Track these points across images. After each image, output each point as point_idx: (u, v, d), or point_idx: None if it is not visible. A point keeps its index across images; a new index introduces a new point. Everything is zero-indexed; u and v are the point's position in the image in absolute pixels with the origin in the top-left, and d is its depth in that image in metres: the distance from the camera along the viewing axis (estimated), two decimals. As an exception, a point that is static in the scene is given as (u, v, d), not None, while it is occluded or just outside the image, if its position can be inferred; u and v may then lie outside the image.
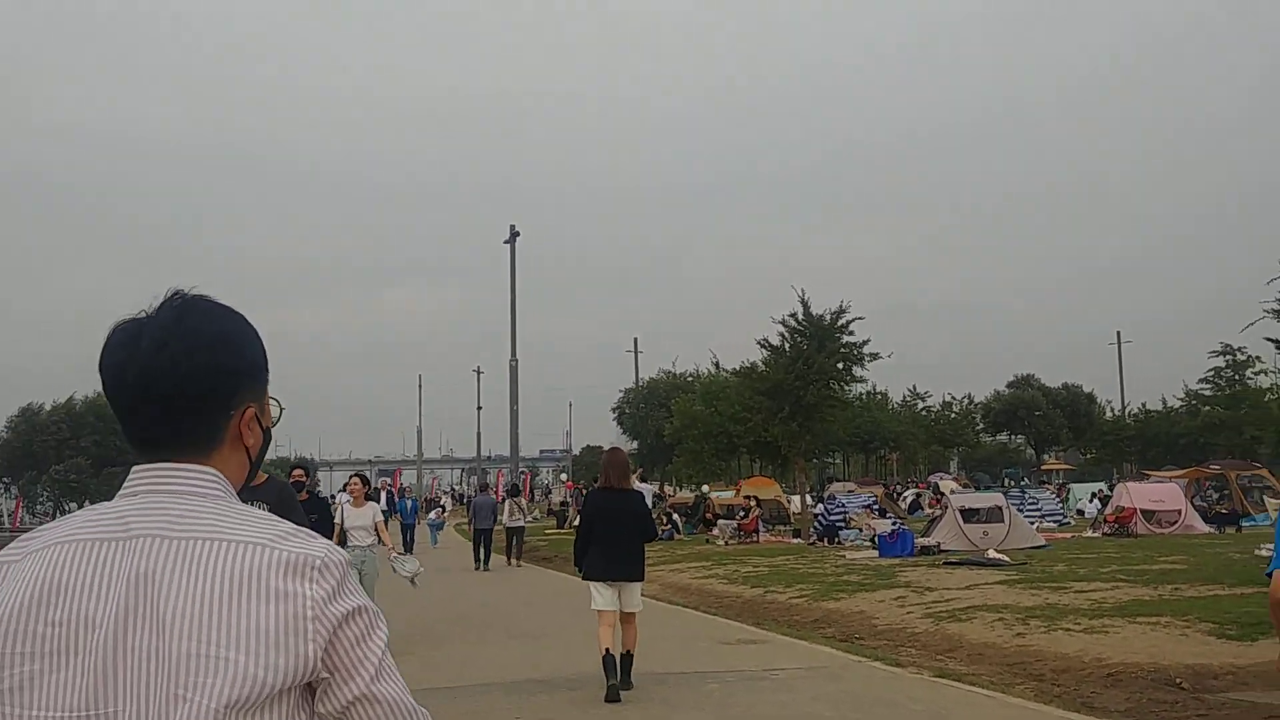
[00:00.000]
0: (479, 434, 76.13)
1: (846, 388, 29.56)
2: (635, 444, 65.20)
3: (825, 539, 26.49)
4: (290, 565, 1.40)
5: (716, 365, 46.15)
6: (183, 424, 1.48)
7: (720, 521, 28.09)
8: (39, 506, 70.93)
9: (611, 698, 8.41)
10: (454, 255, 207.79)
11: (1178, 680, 8.69)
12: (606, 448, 12.83)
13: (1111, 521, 26.09)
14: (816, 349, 26.27)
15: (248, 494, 1.58)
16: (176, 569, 1.38)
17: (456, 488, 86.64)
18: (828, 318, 26.68)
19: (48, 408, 68.29)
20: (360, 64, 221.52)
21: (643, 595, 9.47)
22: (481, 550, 24.19)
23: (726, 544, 26.88)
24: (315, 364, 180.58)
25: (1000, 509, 23.20)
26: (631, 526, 8.99)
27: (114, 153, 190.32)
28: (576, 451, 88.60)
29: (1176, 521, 26.09)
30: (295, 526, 1.49)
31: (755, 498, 29.94)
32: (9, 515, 75.95)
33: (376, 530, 11.61)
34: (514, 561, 24.91)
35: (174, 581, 1.37)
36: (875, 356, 27.09)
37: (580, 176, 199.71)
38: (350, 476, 12.71)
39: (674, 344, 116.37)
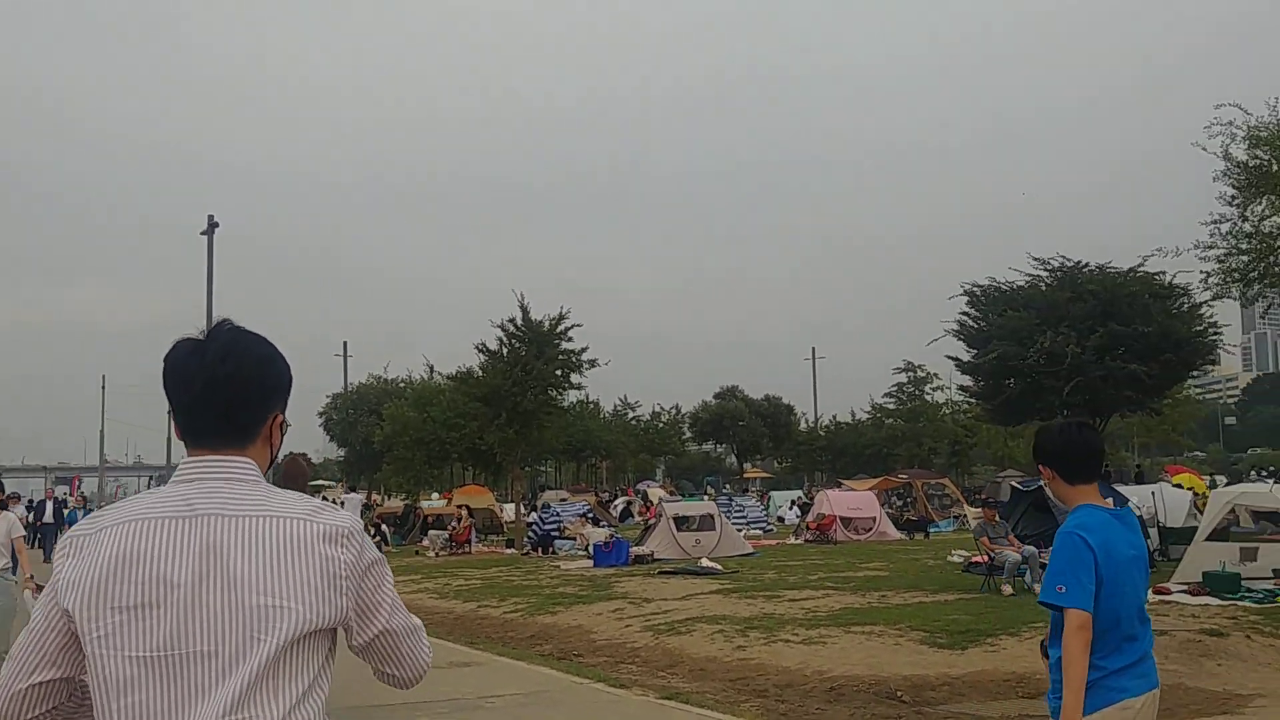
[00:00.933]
0: (169, 440, 70.60)
1: (563, 394, 29.16)
2: (343, 451, 62.51)
3: (540, 549, 26.00)
4: (327, 534, 1.88)
5: (431, 370, 44.87)
6: (232, 423, 1.93)
7: (431, 532, 26.97)
8: None
9: None
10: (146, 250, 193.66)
11: (898, 693, 8.68)
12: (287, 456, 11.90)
13: (813, 528, 27.08)
14: (535, 355, 25.72)
15: None
16: (240, 539, 1.84)
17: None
18: (547, 324, 26.21)
19: None
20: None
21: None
22: None
23: (437, 555, 25.84)
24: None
25: (712, 517, 23.51)
26: None
27: None
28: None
29: (871, 528, 27.46)
30: (322, 502, 2.04)
31: (468, 506, 29.04)
32: None
33: (14, 552, 9.08)
34: None
35: (240, 549, 1.83)
36: (594, 364, 26.82)
37: (283, 170, 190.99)
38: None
39: (385, 350, 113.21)
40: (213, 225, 31.25)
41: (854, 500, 28.97)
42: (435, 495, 40.22)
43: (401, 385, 53.22)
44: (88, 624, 1.79)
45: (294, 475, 8.73)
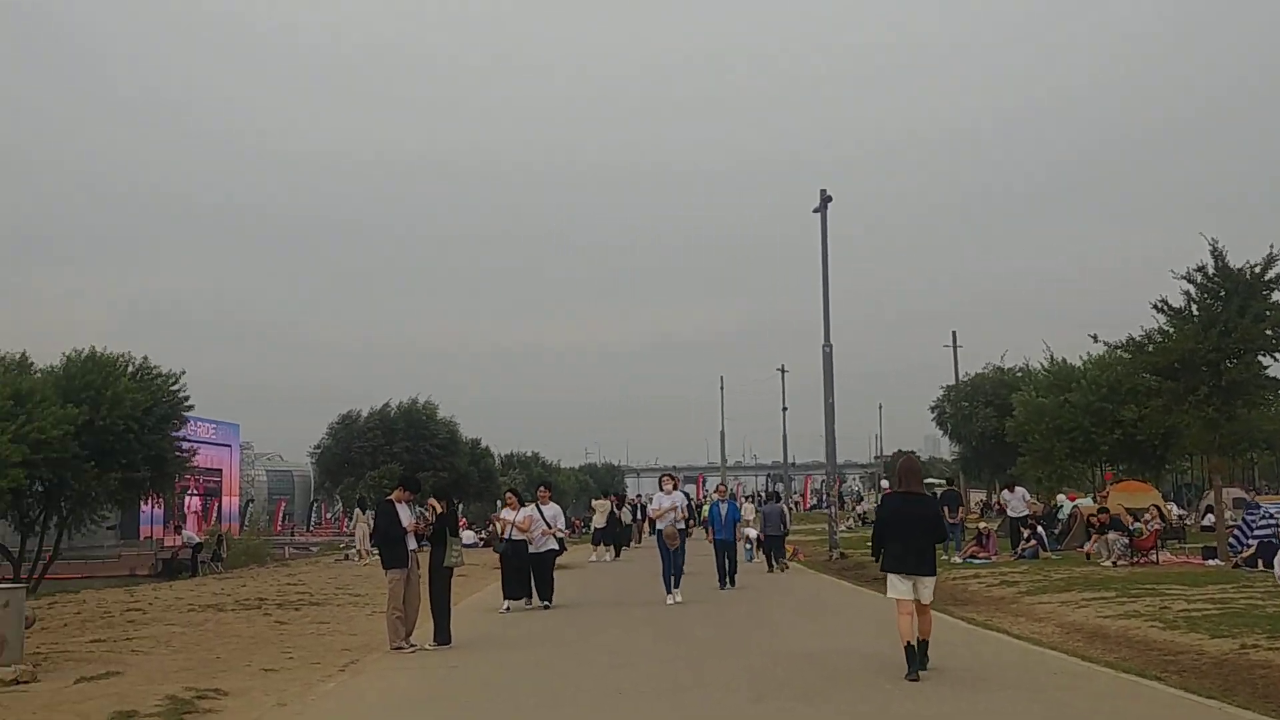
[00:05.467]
0: (785, 436, 71.83)
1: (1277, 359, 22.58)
2: (958, 447, 58.67)
3: (1257, 561, 20.06)
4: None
5: (1052, 358, 39.22)
6: None
7: (1110, 535, 22.07)
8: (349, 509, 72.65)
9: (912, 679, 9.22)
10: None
11: None
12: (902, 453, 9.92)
13: None
14: (1237, 311, 19.91)
15: None
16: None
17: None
18: (1249, 273, 20.26)
19: (365, 414, 69.84)
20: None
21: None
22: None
23: (1115, 565, 21.01)
24: (615, 372, 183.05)
25: None
26: (923, 529, 9.98)
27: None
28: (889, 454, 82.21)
29: None
30: None
31: (1156, 508, 23.67)
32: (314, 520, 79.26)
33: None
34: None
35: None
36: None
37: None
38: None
39: (998, 339, 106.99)
40: (825, 199, 29.04)
41: None
42: (1079, 496, 34.78)
43: (1018, 375, 48.15)
44: None
45: (911, 471, 10.52)
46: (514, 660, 11.69)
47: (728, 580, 19.26)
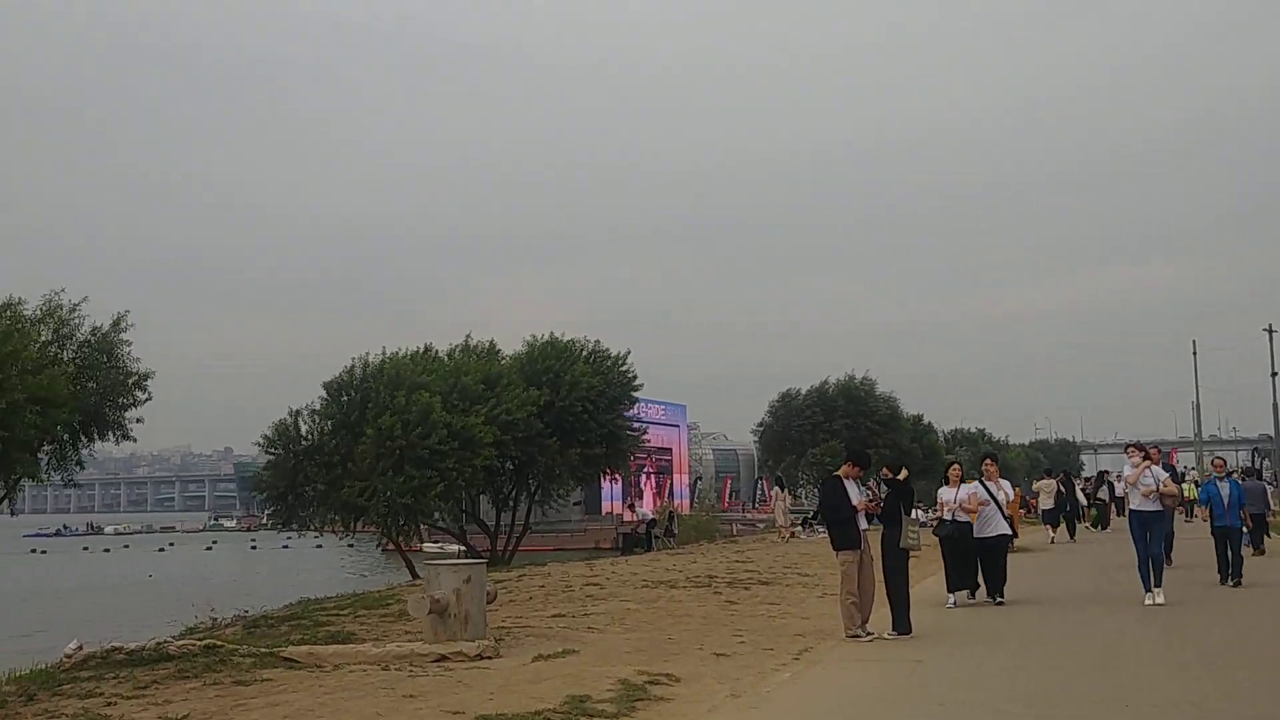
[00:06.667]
0: (1275, 405, 62.69)
1: None
2: None
3: None
4: None
5: None
6: None
7: None
8: (800, 490, 73.08)
9: None
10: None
11: None
12: None
13: None
14: None
15: None
16: None
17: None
18: None
19: (803, 392, 70.00)
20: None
21: None
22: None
23: None
24: (1062, 339, 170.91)
25: None
26: None
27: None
28: None
29: None
30: None
31: None
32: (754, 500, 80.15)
33: None
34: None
35: None
36: None
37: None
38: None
39: None
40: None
41: None
42: None
43: None
44: None
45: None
46: (985, 657, 10.31)
47: (1230, 575, 15.98)
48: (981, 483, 14.96)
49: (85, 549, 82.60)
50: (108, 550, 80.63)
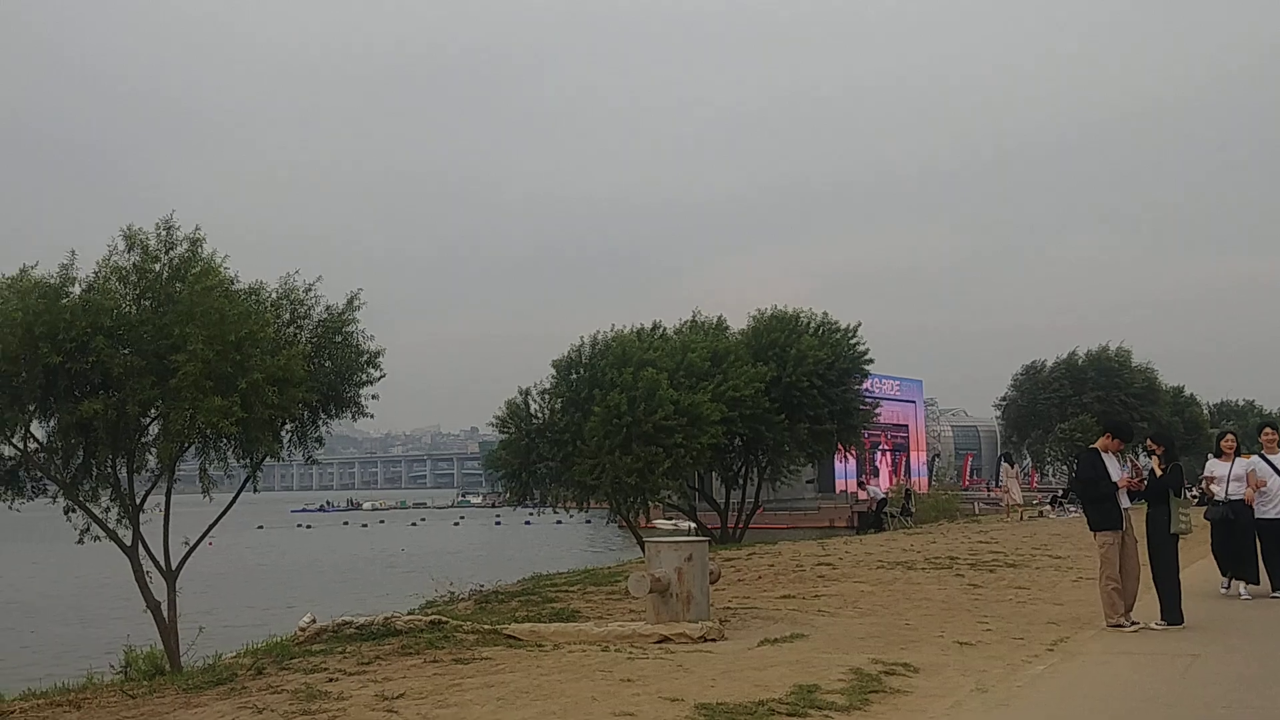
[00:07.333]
0: None
1: None
2: None
3: None
4: None
5: None
6: None
7: None
8: (1047, 466, 69.39)
9: None
10: None
11: None
12: None
13: None
14: None
15: None
16: None
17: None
18: None
19: (1049, 364, 66.52)
20: None
21: None
22: None
23: None
24: None
25: None
26: None
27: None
28: None
29: None
30: None
31: None
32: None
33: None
34: None
35: None
36: None
37: None
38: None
39: None
40: None
41: None
42: None
43: None
44: None
45: None
46: (1273, 654, 9.06)
47: None
48: (1262, 456, 13.14)
49: (345, 524, 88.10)
50: (365, 525, 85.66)
